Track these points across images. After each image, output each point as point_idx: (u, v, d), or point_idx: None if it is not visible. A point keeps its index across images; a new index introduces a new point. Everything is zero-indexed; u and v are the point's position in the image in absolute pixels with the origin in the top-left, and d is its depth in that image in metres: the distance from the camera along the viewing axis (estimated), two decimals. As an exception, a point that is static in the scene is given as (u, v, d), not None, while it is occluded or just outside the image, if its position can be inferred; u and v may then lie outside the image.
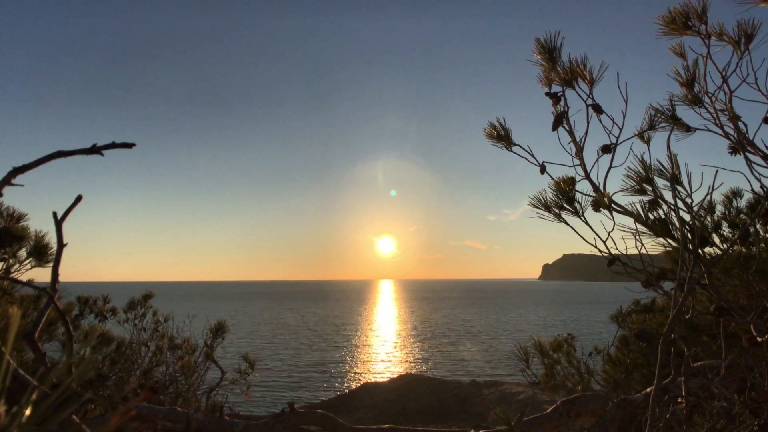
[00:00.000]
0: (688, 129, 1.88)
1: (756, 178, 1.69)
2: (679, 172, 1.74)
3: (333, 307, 68.47)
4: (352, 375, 20.27)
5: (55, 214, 1.76)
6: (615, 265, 1.84)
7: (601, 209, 1.83)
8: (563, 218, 1.90)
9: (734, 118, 1.76)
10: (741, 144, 1.74)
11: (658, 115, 1.86)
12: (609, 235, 1.80)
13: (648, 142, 1.88)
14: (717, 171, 1.63)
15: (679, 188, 1.74)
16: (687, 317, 1.83)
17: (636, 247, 1.82)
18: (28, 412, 0.29)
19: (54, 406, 0.30)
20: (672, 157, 1.75)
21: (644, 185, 1.80)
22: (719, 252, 2.30)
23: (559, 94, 1.89)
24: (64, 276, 1.78)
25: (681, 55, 1.83)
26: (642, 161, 1.79)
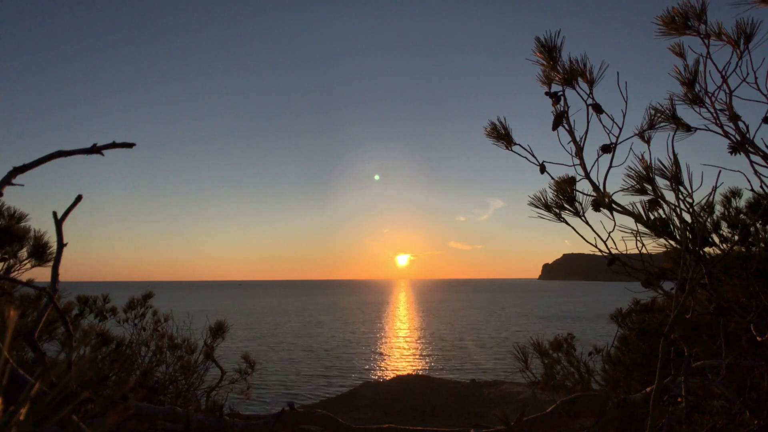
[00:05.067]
0: (688, 129, 1.87)
1: (756, 174, 1.69)
2: (680, 172, 1.74)
3: (333, 306, 68.45)
4: (353, 374, 20.28)
5: (55, 214, 1.76)
6: (615, 265, 1.84)
7: (602, 209, 1.83)
8: (563, 218, 1.89)
9: (734, 118, 1.76)
10: (741, 144, 1.73)
11: (659, 114, 1.86)
12: (609, 235, 1.80)
13: (648, 142, 1.88)
14: (720, 171, 1.64)
15: (680, 188, 1.74)
16: (687, 317, 1.83)
17: (636, 247, 1.82)
18: (25, 410, 0.29)
19: (52, 404, 0.30)
20: (673, 157, 1.75)
21: (645, 185, 1.80)
22: (719, 252, 2.30)
23: (559, 94, 1.89)
24: (64, 276, 1.78)
25: (680, 55, 1.83)
26: (643, 160, 1.79)
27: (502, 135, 1.99)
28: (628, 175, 1.83)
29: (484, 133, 2.00)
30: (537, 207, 1.93)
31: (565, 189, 1.84)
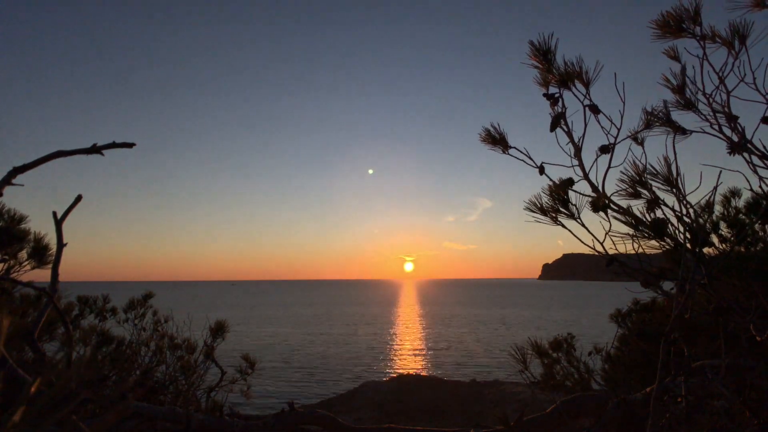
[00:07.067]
0: (684, 132, 1.88)
1: (753, 172, 1.69)
2: (672, 174, 1.75)
3: (332, 306, 68.42)
4: (353, 374, 20.27)
5: (55, 214, 1.77)
6: (613, 266, 1.84)
7: (600, 210, 1.83)
8: (560, 221, 1.90)
9: (732, 118, 1.76)
10: (739, 144, 1.74)
11: (653, 118, 1.86)
12: (606, 235, 1.80)
13: (642, 145, 1.88)
14: (720, 171, 1.64)
15: (676, 190, 1.74)
16: (687, 317, 1.83)
17: (633, 247, 1.82)
18: (19, 413, 0.29)
19: (51, 404, 0.30)
20: (664, 160, 1.75)
21: (638, 189, 1.81)
22: (718, 252, 2.31)
23: (556, 96, 1.89)
24: (64, 276, 1.79)
25: (675, 58, 1.83)
26: (634, 166, 1.80)
27: (497, 140, 1.99)
28: (622, 180, 1.84)
29: (479, 140, 2.00)
30: (533, 211, 1.93)
31: (561, 193, 1.84)
